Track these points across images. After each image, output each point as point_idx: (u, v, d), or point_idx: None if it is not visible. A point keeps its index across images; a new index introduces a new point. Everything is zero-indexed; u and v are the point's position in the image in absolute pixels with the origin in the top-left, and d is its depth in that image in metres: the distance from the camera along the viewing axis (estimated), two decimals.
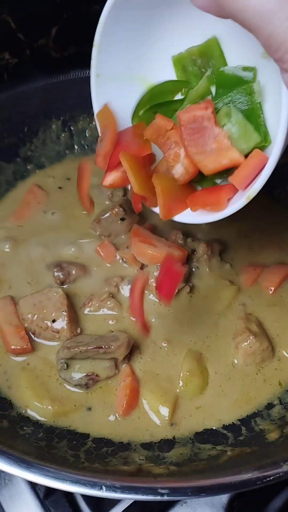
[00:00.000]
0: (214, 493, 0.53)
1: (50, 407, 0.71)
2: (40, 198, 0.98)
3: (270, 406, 0.74)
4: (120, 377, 0.74)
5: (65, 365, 0.72)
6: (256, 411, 0.74)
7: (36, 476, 0.53)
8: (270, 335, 0.81)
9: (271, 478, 0.54)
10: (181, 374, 0.75)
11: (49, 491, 0.73)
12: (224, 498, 0.73)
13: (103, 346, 0.72)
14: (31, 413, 0.71)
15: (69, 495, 0.73)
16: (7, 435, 0.65)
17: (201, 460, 0.65)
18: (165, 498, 0.52)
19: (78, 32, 1.13)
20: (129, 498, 0.61)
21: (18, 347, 0.76)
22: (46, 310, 0.78)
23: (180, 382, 0.74)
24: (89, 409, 0.72)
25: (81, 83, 1.08)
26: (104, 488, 0.52)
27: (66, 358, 0.72)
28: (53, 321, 0.77)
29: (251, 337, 0.77)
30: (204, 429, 0.71)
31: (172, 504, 0.73)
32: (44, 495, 0.73)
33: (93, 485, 0.52)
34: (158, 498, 0.52)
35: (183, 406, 0.73)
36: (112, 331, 0.78)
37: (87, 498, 0.73)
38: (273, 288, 0.85)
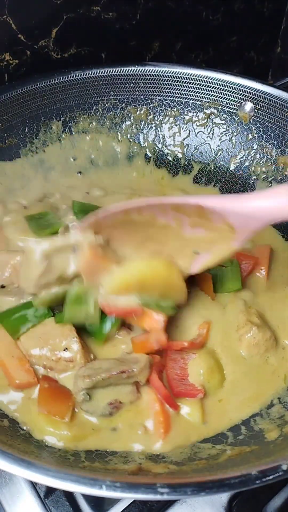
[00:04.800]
0: (214, 492, 0.53)
1: (67, 432, 0.68)
2: None
3: (270, 405, 0.75)
4: (145, 402, 0.72)
5: (88, 396, 0.68)
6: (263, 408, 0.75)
7: (37, 475, 0.53)
8: (272, 326, 0.82)
9: (271, 477, 0.54)
10: (202, 372, 0.75)
11: (50, 490, 0.73)
12: (223, 497, 0.73)
13: (126, 371, 0.68)
14: (49, 439, 0.68)
15: (70, 494, 0.73)
16: (7, 434, 0.65)
17: (200, 459, 0.66)
18: (165, 497, 0.52)
19: (78, 33, 1.14)
20: (129, 497, 0.62)
21: (24, 381, 0.71)
22: (54, 340, 0.73)
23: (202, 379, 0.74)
24: (114, 429, 0.70)
25: (81, 83, 1.08)
26: (104, 487, 0.52)
27: (88, 388, 0.68)
28: (65, 349, 0.72)
29: (253, 328, 0.78)
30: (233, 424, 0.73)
31: (171, 503, 0.73)
32: (45, 494, 0.73)
33: (93, 484, 0.52)
34: (158, 497, 0.52)
35: (208, 403, 0.74)
36: (128, 353, 0.75)
37: (87, 497, 0.73)
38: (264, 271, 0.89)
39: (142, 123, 1.15)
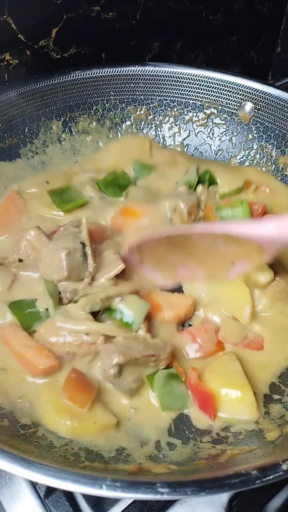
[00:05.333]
0: (214, 492, 0.53)
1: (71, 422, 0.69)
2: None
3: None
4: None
5: (118, 372, 0.71)
6: None
7: (37, 475, 0.53)
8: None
9: (271, 477, 0.54)
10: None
11: (50, 490, 0.73)
12: (223, 497, 0.73)
13: (156, 355, 0.73)
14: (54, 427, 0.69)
15: (70, 494, 0.73)
16: (7, 434, 0.65)
17: (201, 459, 0.66)
18: (165, 497, 0.52)
19: (78, 33, 1.14)
20: (129, 497, 0.62)
21: (48, 366, 0.73)
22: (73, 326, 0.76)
23: None
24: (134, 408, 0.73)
25: (81, 83, 1.08)
26: (104, 487, 0.52)
27: (121, 364, 0.71)
28: (86, 334, 0.75)
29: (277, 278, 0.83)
30: None
31: (172, 503, 0.73)
32: (45, 494, 0.73)
33: (93, 484, 0.52)
34: (158, 497, 0.52)
35: None
36: (152, 337, 0.78)
37: (87, 497, 0.73)
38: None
39: (142, 123, 1.15)
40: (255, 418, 0.72)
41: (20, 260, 0.85)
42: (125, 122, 1.14)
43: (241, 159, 1.12)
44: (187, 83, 1.11)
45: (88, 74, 1.09)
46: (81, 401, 0.70)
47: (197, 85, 1.11)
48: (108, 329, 0.76)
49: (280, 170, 1.07)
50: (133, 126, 1.15)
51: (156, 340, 0.77)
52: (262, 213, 0.98)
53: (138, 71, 1.10)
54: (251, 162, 1.10)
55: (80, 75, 1.08)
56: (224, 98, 1.10)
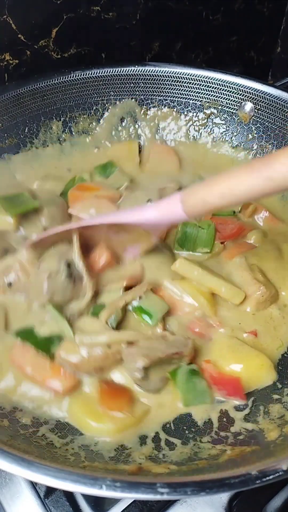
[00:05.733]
0: (214, 492, 0.53)
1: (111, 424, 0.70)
2: None
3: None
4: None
5: (145, 374, 0.72)
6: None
7: (37, 475, 0.53)
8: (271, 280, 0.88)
9: (271, 477, 0.54)
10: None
11: (50, 490, 0.73)
12: (223, 497, 0.73)
13: (180, 352, 0.73)
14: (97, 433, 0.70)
15: (70, 494, 0.73)
16: (7, 434, 0.65)
17: (200, 459, 0.66)
18: (165, 497, 0.52)
19: (78, 33, 1.14)
20: (129, 497, 0.62)
21: (68, 386, 0.72)
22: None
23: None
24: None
25: (81, 83, 1.08)
26: (104, 487, 0.52)
27: (146, 366, 0.71)
28: (109, 345, 0.74)
29: (261, 287, 0.83)
30: None
31: (172, 503, 0.73)
32: (45, 494, 0.73)
33: (93, 484, 0.52)
34: (158, 497, 0.52)
35: None
36: (171, 334, 0.78)
37: (87, 497, 0.73)
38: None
39: (142, 123, 1.15)
40: (275, 379, 0.77)
41: (10, 285, 0.82)
42: (125, 122, 1.14)
43: (241, 159, 1.12)
44: (187, 83, 1.11)
45: (88, 74, 1.09)
46: (120, 406, 0.71)
47: (197, 85, 1.11)
48: (129, 336, 0.76)
49: None
50: (133, 126, 1.15)
51: (177, 336, 0.77)
52: (236, 234, 0.94)
53: (138, 71, 1.10)
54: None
55: (80, 75, 1.08)
56: (224, 98, 1.10)
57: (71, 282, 0.79)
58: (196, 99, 1.12)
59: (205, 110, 1.13)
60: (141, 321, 0.80)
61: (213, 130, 1.14)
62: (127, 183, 1.01)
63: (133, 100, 1.13)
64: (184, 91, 1.12)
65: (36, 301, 0.80)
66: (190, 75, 1.10)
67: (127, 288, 0.83)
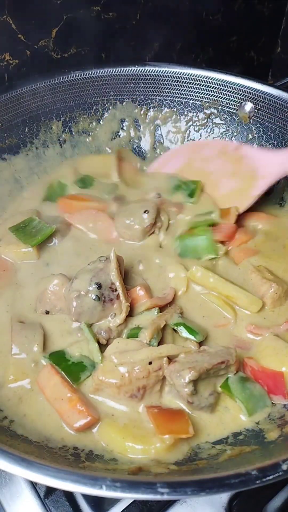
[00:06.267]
0: (214, 492, 0.53)
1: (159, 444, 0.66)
2: None
3: None
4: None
5: (194, 389, 0.69)
6: None
7: (37, 475, 0.53)
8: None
9: (271, 477, 0.54)
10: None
11: (50, 490, 0.73)
12: (223, 497, 0.73)
13: (225, 361, 0.71)
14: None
15: (70, 494, 0.73)
16: (7, 434, 0.65)
17: (200, 459, 0.66)
18: (165, 497, 0.52)
19: (78, 33, 1.14)
20: (129, 497, 0.61)
21: (82, 423, 0.68)
22: (133, 356, 0.72)
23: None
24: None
25: (81, 84, 1.08)
26: (104, 487, 0.52)
27: (195, 379, 0.68)
28: (150, 363, 0.71)
29: (273, 284, 0.84)
30: None
31: (172, 503, 0.73)
32: (45, 494, 0.73)
33: (93, 484, 0.52)
34: (158, 497, 0.52)
35: None
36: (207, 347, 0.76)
37: (87, 497, 0.73)
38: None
39: (142, 123, 1.15)
40: None
41: (47, 312, 0.82)
42: (125, 122, 1.14)
43: None
44: (187, 83, 1.11)
45: (88, 74, 1.09)
46: (182, 428, 0.67)
47: (197, 85, 1.11)
48: (170, 349, 0.73)
49: None
50: (133, 126, 1.15)
51: (218, 347, 0.75)
52: (234, 233, 0.95)
53: (138, 71, 1.10)
54: None
55: (80, 75, 1.08)
56: (224, 98, 1.10)
57: (100, 303, 0.76)
58: (196, 99, 1.12)
59: (205, 110, 1.13)
60: (182, 339, 0.78)
61: (213, 130, 1.14)
62: (113, 195, 1.02)
63: (132, 101, 1.13)
64: (184, 91, 1.12)
65: (73, 322, 0.79)
66: (190, 75, 1.10)
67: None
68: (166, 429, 0.67)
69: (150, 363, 0.71)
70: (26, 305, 0.84)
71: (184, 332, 0.78)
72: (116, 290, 0.78)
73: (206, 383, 0.71)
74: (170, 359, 0.73)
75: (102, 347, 0.76)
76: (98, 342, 0.75)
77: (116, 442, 0.68)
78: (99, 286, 0.76)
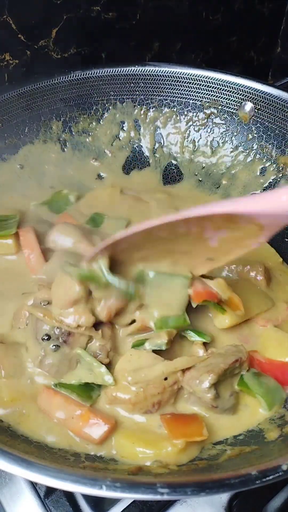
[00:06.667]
0: (214, 492, 0.53)
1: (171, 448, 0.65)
2: None
3: None
4: None
5: (216, 392, 0.68)
6: None
7: (37, 475, 0.53)
8: None
9: (271, 477, 0.54)
10: None
11: (50, 490, 0.73)
12: (223, 497, 0.73)
13: (239, 359, 0.71)
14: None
15: (70, 494, 0.73)
16: (7, 434, 0.65)
17: (200, 459, 0.66)
18: (165, 497, 0.52)
19: (78, 33, 1.14)
20: (129, 497, 0.62)
21: (104, 434, 0.67)
22: (147, 373, 0.70)
23: None
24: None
25: (81, 83, 1.08)
26: (104, 487, 0.52)
27: (215, 383, 0.68)
28: (165, 379, 0.70)
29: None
30: None
31: (171, 503, 0.73)
32: (45, 494, 0.73)
33: (93, 484, 0.52)
34: (158, 497, 0.52)
35: None
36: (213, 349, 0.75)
37: (87, 497, 0.73)
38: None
39: (142, 123, 1.15)
40: None
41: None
42: (125, 122, 1.14)
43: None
44: (187, 83, 1.11)
45: (88, 74, 1.09)
46: (195, 431, 0.66)
47: (197, 85, 1.11)
48: (185, 362, 0.71)
49: (280, 170, 1.07)
50: (133, 127, 1.15)
51: (226, 347, 0.74)
52: (207, 293, 0.77)
53: (138, 71, 1.10)
54: (251, 161, 1.11)
55: (80, 75, 1.08)
56: (224, 98, 1.10)
57: (63, 348, 0.72)
58: (196, 99, 1.12)
59: (205, 110, 1.13)
60: (189, 343, 0.78)
61: (213, 130, 1.14)
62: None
63: (132, 101, 1.13)
64: (184, 91, 1.12)
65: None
66: (190, 75, 1.10)
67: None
68: (180, 434, 0.66)
69: (165, 378, 0.70)
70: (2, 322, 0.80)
71: (193, 336, 0.77)
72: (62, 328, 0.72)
73: (225, 384, 0.71)
74: (183, 369, 0.72)
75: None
76: None
77: (126, 448, 0.67)
78: (48, 338, 0.72)
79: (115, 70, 1.10)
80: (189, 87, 1.11)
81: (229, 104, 1.10)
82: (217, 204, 0.64)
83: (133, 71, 1.10)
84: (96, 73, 1.09)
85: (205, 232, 0.68)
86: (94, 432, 0.67)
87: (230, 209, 0.62)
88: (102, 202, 1.06)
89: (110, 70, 1.09)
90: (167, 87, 1.12)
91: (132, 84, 1.11)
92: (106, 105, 1.12)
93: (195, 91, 1.11)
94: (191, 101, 1.13)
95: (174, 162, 1.15)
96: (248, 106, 1.08)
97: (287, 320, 0.85)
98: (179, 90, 1.12)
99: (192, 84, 1.11)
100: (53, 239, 0.88)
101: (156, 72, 1.11)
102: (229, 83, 1.08)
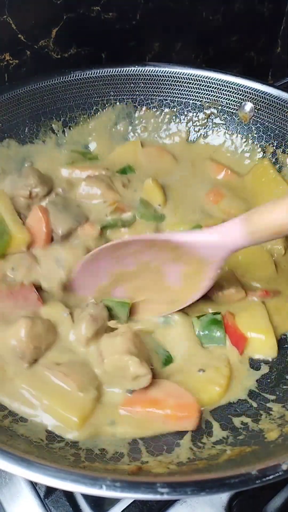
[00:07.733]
0: (214, 492, 0.53)
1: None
2: None
3: None
4: None
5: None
6: None
7: (37, 475, 0.53)
8: None
9: (271, 477, 0.54)
10: None
11: (50, 490, 0.73)
12: (223, 497, 0.73)
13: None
14: None
15: (70, 494, 0.73)
16: (7, 434, 0.65)
17: (200, 459, 0.66)
18: (165, 497, 0.52)
19: (78, 33, 1.14)
20: (129, 497, 0.62)
21: (187, 412, 0.71)
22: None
23: None
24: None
25: (81, 83, 1.08)
26: (104, 487, 0.52)
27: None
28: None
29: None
30: None
31: (172, 503, 0.73)
32: (45, 494, 0.73)
33: (93, 484, 0.52)
34: (158, 497, 0.52)
35: None
36: None
37: (87, 497, 0.73)
38: None
39: (142, 123, 1.15)
40: (274, 357, 0.82)
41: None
42: (125, 122, 1.14)
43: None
44: (187, 83, 1.11)
45: (88, 74, 1.09)
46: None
47: (197, 85, 1.11)
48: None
49: (280, 170, 1.07)
50: (132, 126, 1.15)
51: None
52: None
53: (138, 71, 1.10)
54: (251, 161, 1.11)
55: (80, 75, 1.08)
56: (224, 98, 1.10)
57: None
58: (196, 99, 1.12)
59: (205, 110, 1.13)
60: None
61: (213, 130, 1.14)
62: None
63: (132, 101, 1.13)
64: (184, 91, 1.12)
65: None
66: (190, 75, 1.10)
67: None
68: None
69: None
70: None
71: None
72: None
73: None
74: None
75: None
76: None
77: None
78: None
79: (115, 70, 1.10)
80: (189, 87, 1.12)
81: (229, 104, 1.10)
82: (160, 235, 0.83)
83: (133, 71, 1.10)
84: (96, 73, 1.09)
85: (166, 264, 0.79)
86: (181, 410, 0.71)
87: (169, 238, 0.76)
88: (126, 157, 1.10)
89: (110, 70, 1.09)
90: (167, 87, 1.12)
91: (132, 84, 1.12)
92: (106, 105, 1.12)
93: (195, 91, 1.12)
94: (191, 101, 1.13)
95: None
96: (248, 106, 1.08)
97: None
98: (179, 90, 1.12)
99: (192, 84, 1.11)
100: (82, 191, 0.97)
101: (156, 72, 1.11)
102: (229, 83, 1.08)
